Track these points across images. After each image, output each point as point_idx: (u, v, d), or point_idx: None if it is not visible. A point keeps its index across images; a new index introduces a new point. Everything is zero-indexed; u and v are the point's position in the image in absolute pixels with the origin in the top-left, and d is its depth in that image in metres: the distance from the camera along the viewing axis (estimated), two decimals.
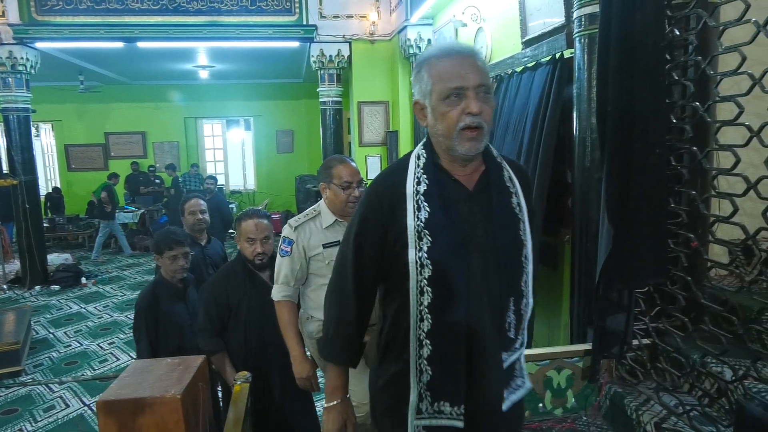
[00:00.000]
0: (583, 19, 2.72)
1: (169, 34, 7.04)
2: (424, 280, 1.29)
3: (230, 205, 9.67)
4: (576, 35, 2.78)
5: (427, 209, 1.30)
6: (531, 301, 1.42)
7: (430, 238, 1.29)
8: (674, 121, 1.87)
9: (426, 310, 1.30)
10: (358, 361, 1.52)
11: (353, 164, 2.38)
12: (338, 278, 1.47)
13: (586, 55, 2.69)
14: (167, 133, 11.95)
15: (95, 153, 11.73)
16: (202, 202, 3.47)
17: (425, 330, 1.30)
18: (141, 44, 7.19)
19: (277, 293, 2.35)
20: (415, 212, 1.30)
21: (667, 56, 1.88)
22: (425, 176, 1.34)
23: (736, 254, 1.64)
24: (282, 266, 2.33)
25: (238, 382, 2.02)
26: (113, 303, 6.72)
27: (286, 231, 2.35)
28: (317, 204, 2.42)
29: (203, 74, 10.16)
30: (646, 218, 1.81)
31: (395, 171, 1.42)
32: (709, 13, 1.68)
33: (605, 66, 1.92)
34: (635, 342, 2.11)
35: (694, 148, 1.75)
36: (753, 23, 1.48)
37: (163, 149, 11.95)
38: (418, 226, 1.29)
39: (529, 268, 1.40)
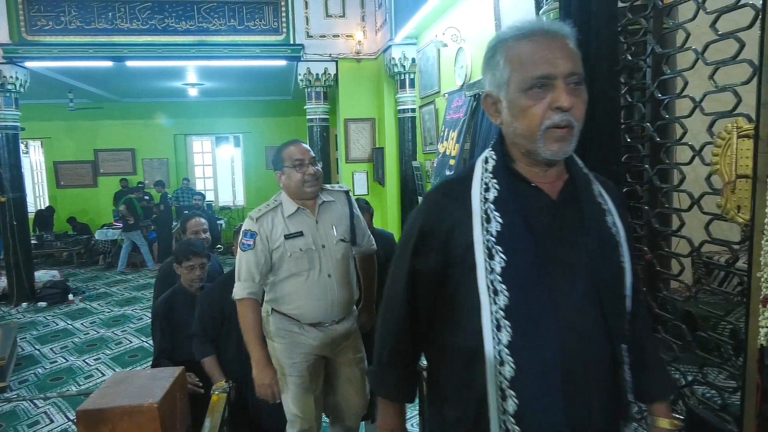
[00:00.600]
0: None
1: (158, 54, 7.15)
2: (500, 311, 1.01)
3: (219, 221, 9.72)
4: None
5: (499, 220, 1.04)
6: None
7: (504, 256, 1.02)
8: (629, 140, 1.98)
9: (506, 351, 1.00)
10: (414, 395, 1.28)
11: (303, 144, 2.37)
12: (391, 304, 1.21)
13: None
14: (157, 150, 12.01)
15: (84, 170, 11.76)
16: (203, 221, 3.55)
17: (508, 377, 1.00)
18: (130, 63, 7.29)
19: (241, 290, 2.23)
20: (483, 224, 1.04)
21: (623, 79, 1.99)
22: (495, 181, 1.08)
23: (683, 266, 1.74)
24: (244, 261, 2.23)
25: (216, 392, 2.08)
26: (100, 319, 6.73)
27: (247, 224, 2.29)
28: (277, 195, 2.38)
29: (192, 92, 10.27)
30: None
31: (459, 177, 1.16)
32: (656, 40, 1.79)
33: None
34: None
35: (646, 166, 1.86)
36: (692, 50, 1.60)
37: (152, 166, 12.01)
38: (488, 241, 1.03)
39: (628, 304, 1.12)
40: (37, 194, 12.04)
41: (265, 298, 2.36)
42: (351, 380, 2.51)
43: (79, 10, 6.98)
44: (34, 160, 12.09)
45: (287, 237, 2.23)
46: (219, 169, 12.77)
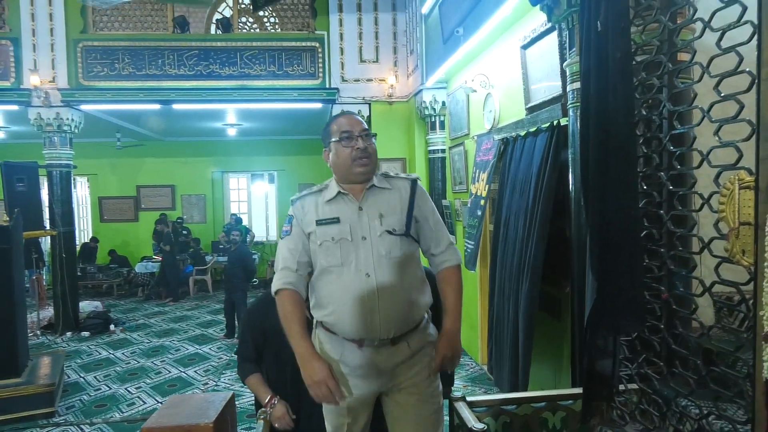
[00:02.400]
0: (575, 93, 3.05)
1: (203, 97, 7.60)
2: None
3: (253, 256, 10.00)
4: (570, 106, 3.10)
5: None
6: None
7: None
8: (645, 187, 2.14)
9: None
10: None
11: (356, 115, 2.05)
12: None
13: (578, 125, 3.00)
14: (195, 186, 12.50)
15: (126, 205, 12.29)
16: None
17: None
18: (176, 106, 7.75)
19: (276, 281, 1.94)
20: None
21: (640, 131, 2.17)
22: None
23: (696, 305, 1.87)
24: (281, 249, 1.96)
25: (262, 417, 2.25)
26: (140, 349, 7.00)
27: (291, 208, 2.04)
28: (330, 179, 2.06)
29: (231, 132, 10.75)
30: (624, 272, 2.06)
31: None
32: (668, 98, 1.97)
33: (586, 138, 2.21)
34: (622, 386, 2.31)
35: (661, 211, 2.01)
36: (699, 108, 1.77)
37: (190, 201, 12.48)
38: None
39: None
40: (81, 228, 12.60)
41: (310, 304, 2.02)
42: (411, 426, 2.01)
43: (131, 58, 7.51)
44: (80, 195, 12.71)
45: (319, 222, 1.91)
46: (253, 204, 13.18)
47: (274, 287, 1.94)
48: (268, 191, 13.18)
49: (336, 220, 1.93)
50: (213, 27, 9.29)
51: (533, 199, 3.72)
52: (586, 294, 2.18)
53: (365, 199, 1.96)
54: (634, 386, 2.30)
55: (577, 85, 2.99)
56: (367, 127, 2.01)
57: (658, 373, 2.11)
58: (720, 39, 1.66)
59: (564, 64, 3.20)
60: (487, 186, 4.71)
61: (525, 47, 4.12)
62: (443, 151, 6.90)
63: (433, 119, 6.90)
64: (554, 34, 3.53)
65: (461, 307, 2.08)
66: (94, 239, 11.58)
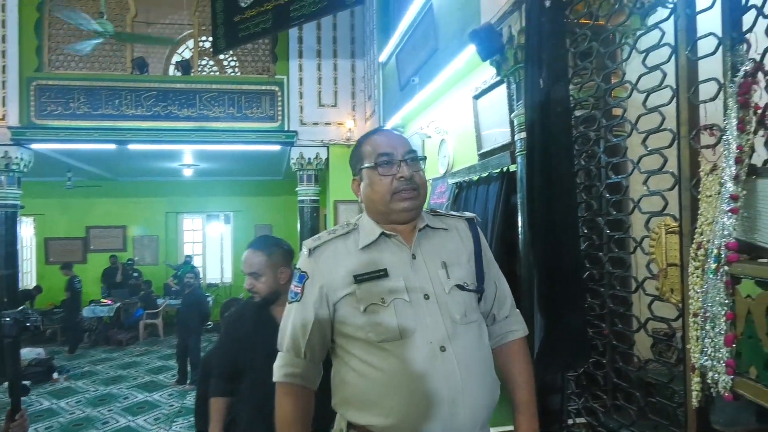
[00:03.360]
0: (522, 141, 3.25)
1: (160, 138, 7.59)
2: None
3: (208, 298, 9.82)
4: (518, 153, 3.30)
5: None
6: None
7: None
8: (586, 231, 2.30)
9: None
10: None
11: (393, 132, 1.57)
12: None
13: (525, 171, 3.19)
14: (147, 226, 12.26)
15: (75, 246, 11.91)
16: None
17: None
18: (132, 146, 7.70)
19: (277, 368, 1.46)
20: None
21: (579, 180, 2.35)
22: None
23: (634, 340, 2.02)
24: (289, 320, 1.46)
25: None
26: (86, 398, 6.71)
27: (300, 260, 1.50)
28: (357, 217, 1.55)
29: (187, 172, 10.68)
30: (569, 310, 2.19)
31: None
32: (602, 149, 2.17)
33: (531, 185, 2.38)
34: (571, 421, 2.42)
35: (600, 253, 2.18)
36: (630, 161, 1.96)
37: (142, 243, 12.21)
38: None
39: None
40: (25, 270, 12.08)
41: (333, 401, 1.45)
42: None
43: (87, 97, 7.47)
44: (24, 236, 12.23)
45: (359, 279, 1.38)
46: (208, 245, 12.99)
47: (274, 374, 1.46)
48: (223, 232, 13.04)
49: (383, 274, 1.40)
50: (172, 69, 9.35)
51: (489, 242, 3.88)
52: (535, 332, 2.30)
53: (419, 244, 1.47)
54: (582, 420, 2.41)
55: (524, 134, 3.20)
56: (413, 147, 1.51)
57: (603, 406, 2.23)
58: (645, 100, 1.86)
59: (512, 115, 3.41)
60: None
61: (476, 97, 4.35)
62: None
63: None
64: (503, 86, 3.77)
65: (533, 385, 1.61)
66: (37, 288, 11.12)
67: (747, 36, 1.45)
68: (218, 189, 12.35)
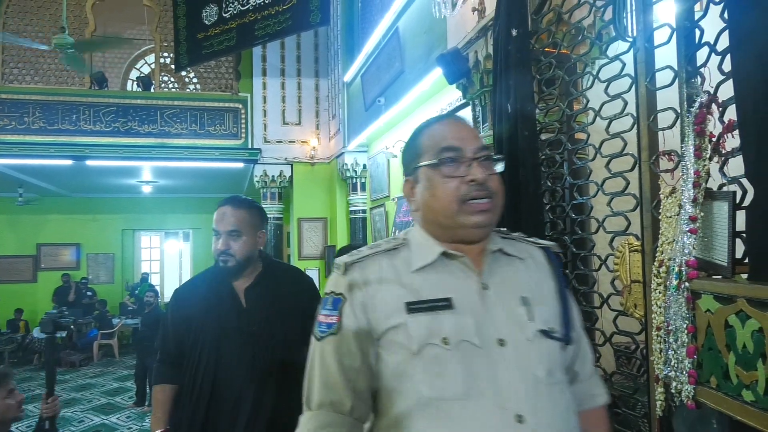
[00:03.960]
0: None
1: (119, 154, 7.44)
2: None
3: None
4: None
5: None
6: None
7: None
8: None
9: None
10: None
11: (462, 121, 1.17)
12: None
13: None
14: (103, 244, 11.91)
15: (24, 265, 11.45)
16: None
17: None
18: (90, 162, 7.52)
19: (304, 427, 1.02)
20: None
21: (546, 200, 2.46)
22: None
23: (599, 354, 2.11)
24: (317, 362, 1.06)
25: None
26: (36, 423, 6.41)
27: (331, 280, 1.11)
28: (405, 231, 1.19)
29: (146, 189, 10.47)
30: None
31: None
32: (568, 172, 2.28)
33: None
34: None
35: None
36: (594, 183, 2.07)
37: (97, 261, 11.84)
38: None
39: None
40: None
41: None
42: None
43: (43, 112, 7.27)
44: None
45: (414, 308, 1.01)
46: (166, 263, 12.71)
47: None
48: (182, 249, 12.79)
49: (446, 305, 1.02)
50: (132, 84, 9.21)
51: None
52: None
53: (491, 271, 1.09)
54: None
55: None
56: (485, 143, 1.20)
57: None
58: (608, 126, 1.98)
59: None
60: None
61: None
62: (364, 211, 7.12)
63: (354, 181, 7.14)
64: (468, 108, 3.89)
65: None
66: None
67: (701, 70, 1.57)
68: (177, 206, 12.14)
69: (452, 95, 4.24)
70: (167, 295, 12.36)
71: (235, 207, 1.95)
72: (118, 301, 11.35)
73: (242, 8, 6.41)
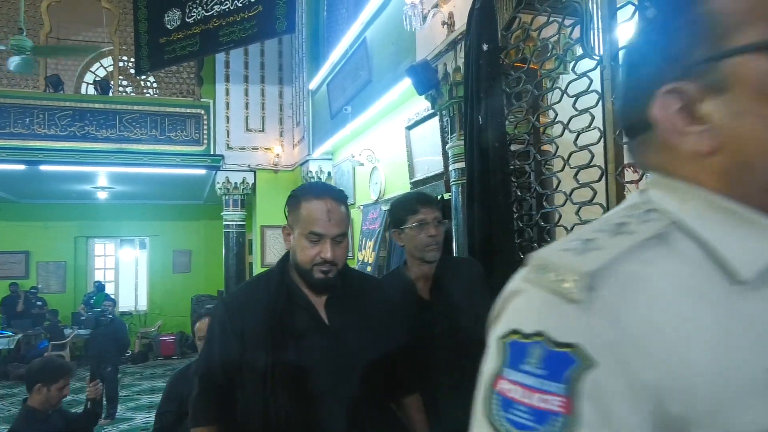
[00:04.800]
0: (456, 171, 3.45)
1: (75, 159, 7.23)
2: None
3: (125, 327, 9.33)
4: (452, 183, 3.49)
5: None
6: None
7: None
8: (522, 256, 2.50)
9: None
10: None
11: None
12: None
13: (460, 199, 3.38)
14: (54, 252, 11.47)
15: None
16: None
17: None
18: (44, 167, 7.27)
19: None
20: None
21: (515, 209, 2.55)
22: None
23: None
24: None
25: None
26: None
27: (533, 305, 0.46)
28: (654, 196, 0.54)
29: (102, 195, 10.17)
30: None
31: None
32: (537, 182, 2.38)
33: (472, 213, 2.55)
34: None
35: None
36: (563, 192, 2.18)
37: (48, 269, 11.40)
38: None
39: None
40: None
41: None
42: None
43: None
44: None
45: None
46: (121, 272, 12.36)
47: None
48: (138, 257, 12.46)
49: None
50: (89, 88, 8.97)
51: None
52: None
53: None
54: None
55: (459, 165, 3.40)
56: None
57: None
58: (576, 138, 2.08)
59: (446, 147, 3.61)
60: (374, 253, 4.98)
61: (409, 128, 4.55)
62: None
63: None
64: (436, 119, 3.98)
65: None
66: None
67: None
68: (133, 213, 11.81)
69: (419, 105, 4.32)
70: (123, 305, 12.03)
71: (340, 201, 1.50)
72: (70, 311, 10.95)
73: (206, 14, 6.36)
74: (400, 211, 1.85)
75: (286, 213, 1.49)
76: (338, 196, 1.47)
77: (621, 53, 1.91)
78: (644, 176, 1.75)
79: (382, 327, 1.51)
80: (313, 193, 1.45)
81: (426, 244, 1.76)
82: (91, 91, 9.82)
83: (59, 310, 10.49)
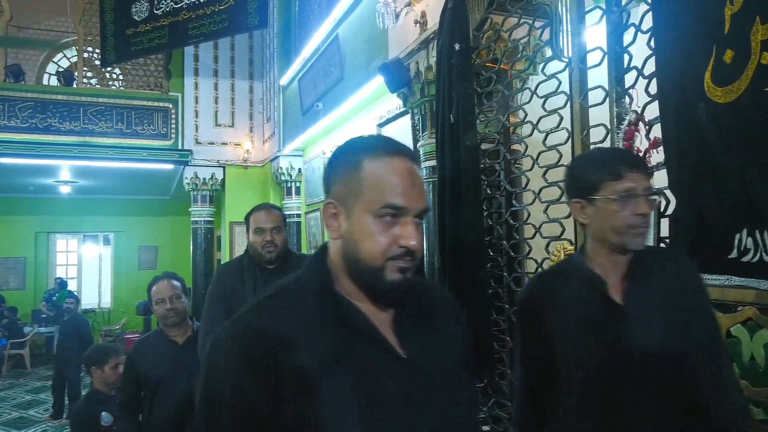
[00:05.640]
0: (428, 169, 3.48)
1: (36, 152, 7.01)
2: None
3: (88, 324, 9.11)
4: (423, 180, 3.52)
5: None
6: None
7: None
8: (492, 253, 2.54)
9: None
10: None
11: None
12: None
13: (431, 197, 3.41)
14: (12, 248, 11.12)
15: None
16: (175, 283, 2.52)
17: None
18: (4, 160, 7.04)
19: None
20: None
21: (485, 207, 2.59)
22: None
23: None
24: None
25: None
26: None
27: None
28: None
29: (64, 189, 9.90)
30: (476, 325, 2.40)
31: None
32: (507, 181, 2.43)
33: (443, 211, 2.58)
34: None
35: (505, 273, 2.42)
36: (532, 191, 2.22)
37: (6, 266, 11.04)
38: None
39: None
40: None
41: None
42: None
43: None
44: None
45: None
46: (84, 268, 12.05)
47: None
48: (102, 253, 12.17)
49: None
50: (49, 78, 8.71)
51: None
52: None
53: None
54: (488, 428, 2.62)
55: (430, 163, 3.43)
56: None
57: (508, 413, 2.45)
58: (545, 138, 2.13)
59: (418, 144, 3.64)
60: None
61: (381, 125, 4.57)
62: (299, 216, 7.10)
63: (289, 185, 7.11)
64: (408, 117, 4.00)
65: None
66: None
67: (630, 91, 1.74)
68: (97, 208, 11.53)
69: (391, 103, 4.34)
70: (86, 302, 11.74)
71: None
72: (31, 309, 10.63)
73: (175, 6, 6.25)
74: (594, 172, 1.27)
75: (329, 181, 0.93)
76: (414, 156, 0.95)
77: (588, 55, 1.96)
78: None
79: (466, 356, 1.03)
80: (383, 148, 0.91)
81: (631, 225, 1.22)
82: (54, 82, 9.55)
83: (18, 307, 10.18)
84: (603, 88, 1.84)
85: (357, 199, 0.89)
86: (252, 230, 2.33)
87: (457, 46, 2.54)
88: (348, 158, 0.91)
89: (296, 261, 2.39)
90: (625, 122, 1.69)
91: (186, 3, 6.09)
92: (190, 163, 7.56)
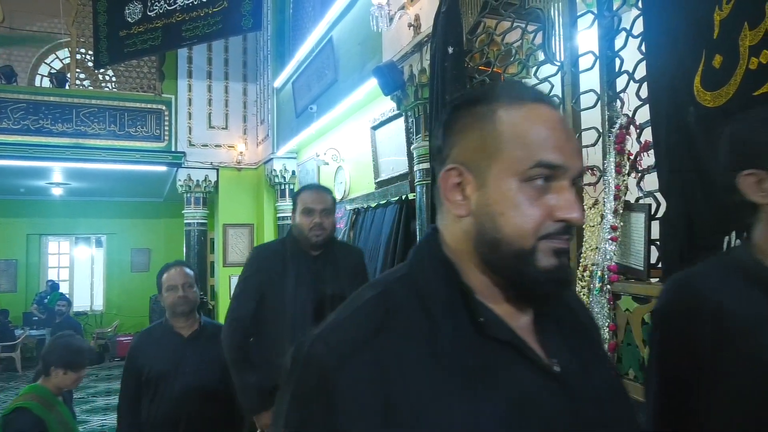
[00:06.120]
0: (421, 172, 3.49)
1: (29, 154, 6.98)
2: None
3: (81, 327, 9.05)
4: (417, 183, 3.53)
5: None
6: None
7: None
8: None
9: None
10: None
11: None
12: None
13: (424, 200, 3.42)
14: (5, 250, 11.05)
15: None
16: (188, 271, 2.46)
17: None
18: None
19: None
20: None
21: None
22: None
23: None
24: None
25: None
26: None
27: None
28: None
29: (57, 191, 9.85)
30: None
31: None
32: None
33: (436, 213, 2.59)
34: None
35: None
36: None
37: None
38: None
39: None
40: None
41: None
42: None
43: None
44: None
45: None
46: (76, 271, 11.99)
47: None
48: (94, 255, 12.12)
49: None
50: (42, 80, 8.68)
51: (382, 265, 4.07)
52: None
53: None
54: None
55: (424, 165, 3.44)
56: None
57: None
58: None
59: (411, 147, 3.65)
60: None
61: (375, 128, 4.58)
62: None
63: (283, 187, 7.10)
64: (401, 119, 4.02)
65: None
66: None
67: (621, 95, 1.76)
68: (90, 210, 11.47)
69: (384, 105, 4.35)
70: (78, 305, 11.68)
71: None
72: (22, 311, 10.57)
73: (169, 8, 6.24)
74: None
75: (446, 143, 0.71)
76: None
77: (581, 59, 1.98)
78: (601, 179, 1.82)
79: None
80: (523, 94, 0.70)
81: None
82: (47, 83, 9.51)
83: (9, 310, 10.11)
84: (594, 91, 1.86)
85: (493, 161, 0.66)
86: (299, 210, 2.10)
87: (450, 50, 2.56)
88: (475, 110, 0.69)
89: (341, 250, 2.24)
90: (617, 125, 1.70)
91: (179, 5, 6.08)
92: (183, 165, 7.54)
